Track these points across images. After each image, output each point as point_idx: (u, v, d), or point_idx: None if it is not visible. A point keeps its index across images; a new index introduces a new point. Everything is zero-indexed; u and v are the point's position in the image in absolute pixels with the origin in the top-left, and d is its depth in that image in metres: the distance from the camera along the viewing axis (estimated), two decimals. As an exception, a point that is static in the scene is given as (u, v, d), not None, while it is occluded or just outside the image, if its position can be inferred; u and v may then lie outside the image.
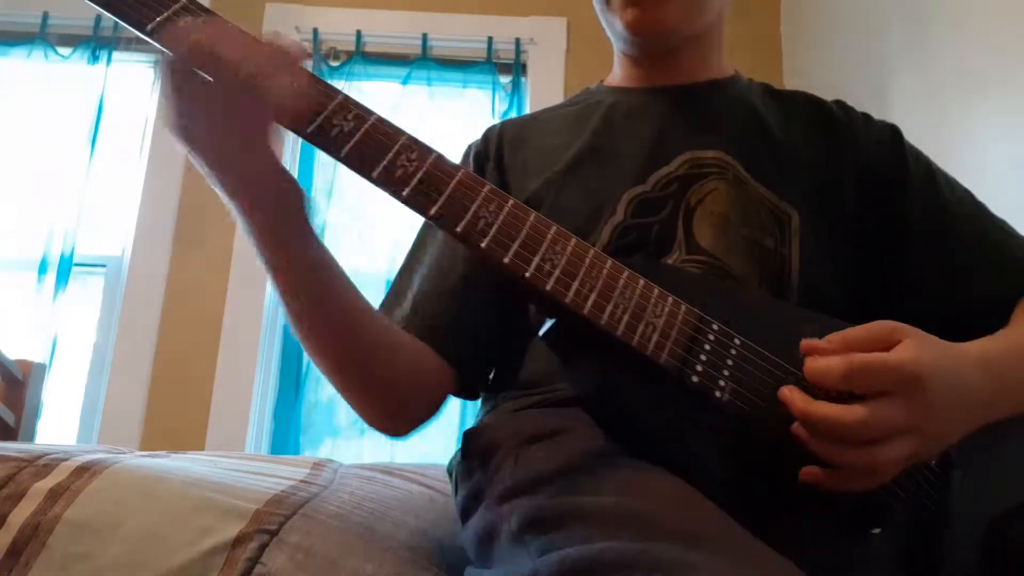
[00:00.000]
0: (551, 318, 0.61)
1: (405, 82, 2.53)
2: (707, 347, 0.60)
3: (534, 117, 0.97)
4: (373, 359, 0.75)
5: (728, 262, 0.76)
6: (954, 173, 1.60)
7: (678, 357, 0.59)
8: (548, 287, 0.57)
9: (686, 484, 0.56)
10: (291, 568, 0.69)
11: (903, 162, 0.84)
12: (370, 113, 0.59)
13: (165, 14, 0.56)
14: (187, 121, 0.56)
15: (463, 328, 0.82)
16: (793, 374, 0.59)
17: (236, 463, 0.90)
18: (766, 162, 0.83)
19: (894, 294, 0.81)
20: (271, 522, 0.72)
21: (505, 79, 2.54)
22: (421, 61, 2.54)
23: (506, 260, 0.57)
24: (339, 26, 2.56)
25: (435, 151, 0.59)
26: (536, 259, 0.57)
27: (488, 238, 0.57)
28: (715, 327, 0.61)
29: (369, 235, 2.40)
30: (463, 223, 0.57)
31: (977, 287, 0.79)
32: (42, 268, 2.28)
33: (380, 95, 2.55)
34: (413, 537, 0.78)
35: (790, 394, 0.56)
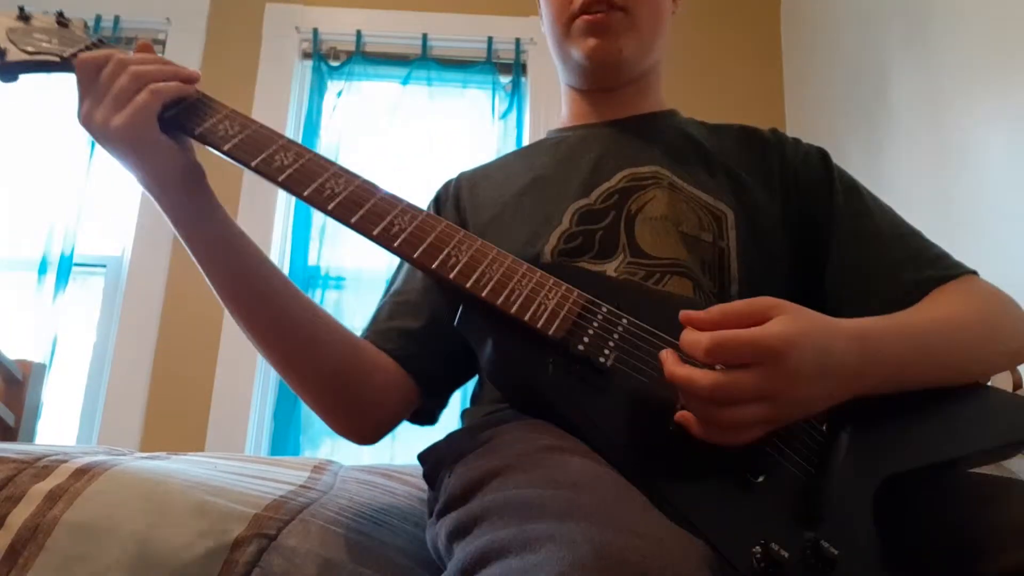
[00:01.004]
0: (462, 306, 0.72)
1: (405, 82, 2.53)
2: (595, 324, 0.68)
3: (490, 163, 1.05)
4: (314, 344, 0.80)
5: (671, 256, 0.82)
6: (954, 173, 1.60)
7: (565, 330, 0.67)
8: (451, 276, 0.68)
9: (596, 465, 0.59)
10: (290, 572, 0.69)
11: (829, 175, 0.91)
12: (306, 151, 0.73)
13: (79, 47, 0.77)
14: (91, 109, 0.70)
15: (422, 344, 0.87)
16: (675, 345, 0.65)
17: (236, 465, 0.90)
18: (699, 171, 0.90)
19: (824, 285, 0.87)
20: (270, 526, 0.73)
21: (505, 79, 2.55)
22: (421, 61, 2.54)
23: (415, 256, 0.69)
24: (339, 26, 2.56)
25: (361, 177, 0.72)
26: (441, 255, 0.69)
27: (400, 239, 0.69)
28: (604, 309, 0.69)
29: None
30: (379, 228, 0.69)
31: (899, 278, 0.83)
32: (42, 268, 2.28)
33: (380, 95, 2.55)
34: (411, 543, 0.79)
35: (665, 355, 0.62)
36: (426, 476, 0.77)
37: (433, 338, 0.87)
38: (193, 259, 0.76)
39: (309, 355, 0.80)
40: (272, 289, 0.78)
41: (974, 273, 0.84)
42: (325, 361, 0.81)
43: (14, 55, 0.78)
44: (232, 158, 0.71)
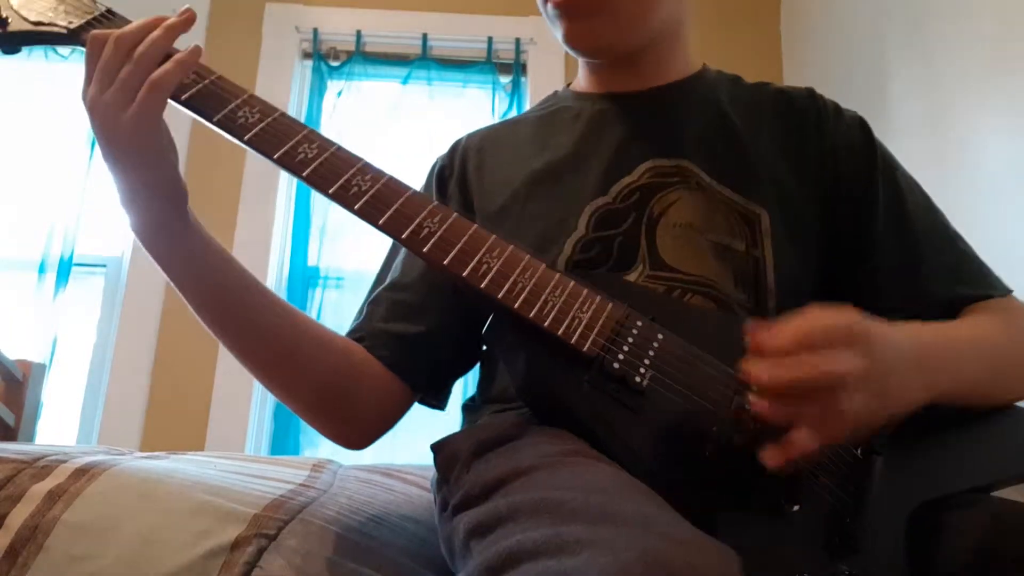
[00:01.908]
0: (492, 316, 0.69)
1: (405, 82, 2.54)
2: (630, 339, 0.65)
3: (500, 128, 0.97)
4: (295, 359, 0.77)
5: (696, 272, 0.76)
6: (954, 173, 1.59)
7: (600, 346, 0.64)
8: (482, 285, 0.65)
9: (623, 473, 0.58)
10: (289, 572, 0.69)
11: (871, 156, 0.84)
12: (329, 143, 0.69)
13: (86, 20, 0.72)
14: (97, 94, 0.66)
15: (418, 351, 0.84)
16: (715, 365, 0.63)
17: (235, 465, 0.90)
18: (731, 165, 0.82)
19: (857, 290, 0.82)
20: (269, 526, 0.73)
21: (505, 79, 2.55)
22: (421, 61, 2.54)
23: (445, 262, 0.65)
24: (339, 26, 2.56)
25: (388, 174, 0.69)
26: (473, 262, 0.65)
27: (430, 244, 0.66)
28: (640, 323, 0.66)
29: (368, 235, 2.40)
30: (407, 231, 0.66)
31: (934, 292, 0.80)
32: (42, 268, 2.28)
33: (380, 95, 2.55)
34: (411, 542, 0.79)
35: (749, 365, 0.55)
36: (439, 466, 0.74)
37: (431, 344, 0.84)
38: (164, 274, 0.73)
39: (290, 370, 0.78)
40: (250, 304, 0.75)
41: (1010, 292, 0.81)
42: (309, 376, 0.78)
43: (16, 24, 0.72)
44: (253, 148, 0.68)
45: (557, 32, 0.85)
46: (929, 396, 0.64)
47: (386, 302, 0.86)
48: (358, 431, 0.85)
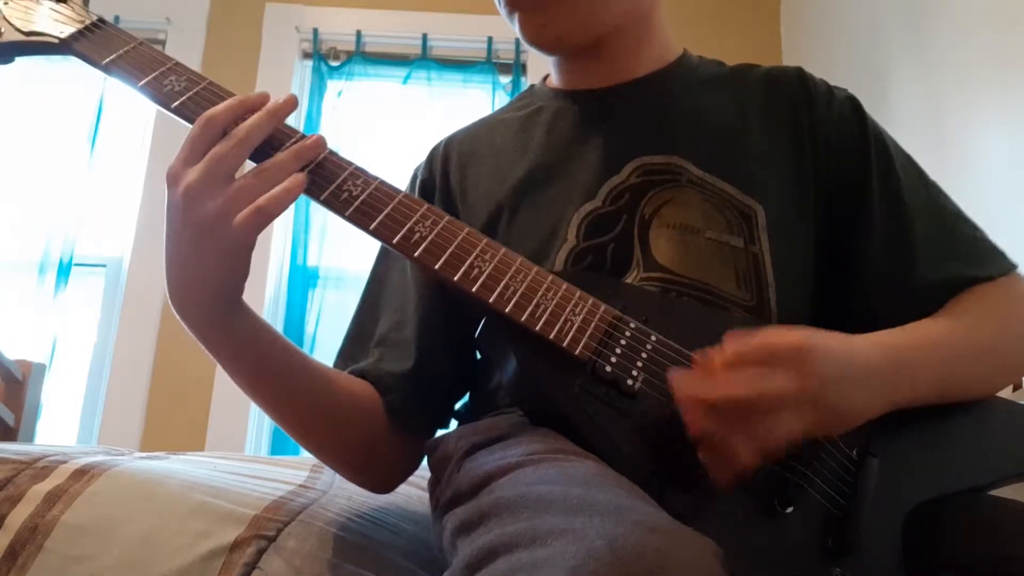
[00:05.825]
0: (484, 319, 0.67)
1: (405, 82, 2.54)
2: (623, 342, 0.65)
3: (478, 132, 0.93)
4: (334, 426, 0.77)
5: (692, 276, 0.74)
6: (954, 173, 1.58)
7: (592, 350, 0.64)
8: (473, 289, 0.64)
9: (609, 469, 0.57)
10: (289, 574, 0.69)
11: (865, 141, 0.81)
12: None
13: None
14: (192, 171, 0.62)
15: (436, 396, 0.83)
16: None
17: (235, 465, 0.90)
18: (723, 156, 0.79)
19: (852, 274, 0.80)
20: (269, 528, 0.73)
21: (505, 79, 2.55)
22: (421, 61, 2.54)
23: (437, 266, 0.64)
24: (339, 26, 2.56)
25: (379, 179, 0.68)
26: (464, 266, 0.65)
27: (421, 248, 0.65)
28: (632, 325, 0.66)
29: (366, 236, 2.40)
30: (399, 236, 0.65)
31: (928, 271, 0.77)
32: (42, 268, 2.28)
33: (380, 95, 2.55)
34: (411, 544, 0.79)
35: (680, 378, 0.58)
36: (431, 467, 0.74)
37: (448, 383, 0.84)
38: (211, 357, 0.71)
39: (323, 431, 0.78)
40: (293, 384, 0.74)
41: (1014, 269, 0.79)
42: (343, 435, 0.78)
43: (8, 35, 0.70)
44: None
45: (517, 30, 0.83)
46: (884, 407, 0.64)
47: (391, 345, 0.83)
48: (388, 478, 0.85)
